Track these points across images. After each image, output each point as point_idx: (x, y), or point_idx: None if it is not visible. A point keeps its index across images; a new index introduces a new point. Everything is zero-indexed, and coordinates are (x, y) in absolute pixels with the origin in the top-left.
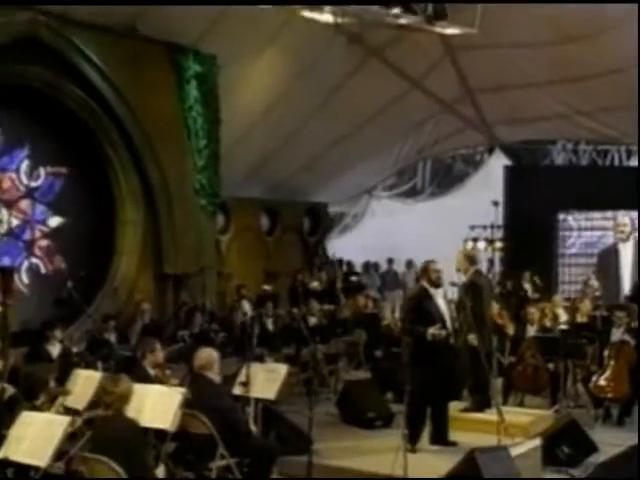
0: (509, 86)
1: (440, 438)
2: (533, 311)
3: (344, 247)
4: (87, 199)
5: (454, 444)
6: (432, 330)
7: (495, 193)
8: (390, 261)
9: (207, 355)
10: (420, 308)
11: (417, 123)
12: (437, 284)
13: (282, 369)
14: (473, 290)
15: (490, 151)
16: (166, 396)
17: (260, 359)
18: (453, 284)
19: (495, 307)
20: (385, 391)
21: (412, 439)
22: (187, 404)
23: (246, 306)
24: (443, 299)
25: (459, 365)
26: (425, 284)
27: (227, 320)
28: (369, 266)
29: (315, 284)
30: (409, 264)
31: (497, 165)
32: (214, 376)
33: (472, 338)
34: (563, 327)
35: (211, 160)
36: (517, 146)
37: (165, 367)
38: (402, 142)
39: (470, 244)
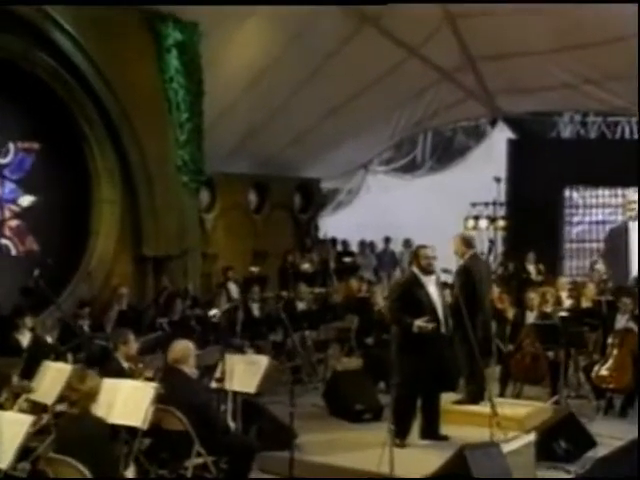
0: (512, 54)
1: (431, 432)
2: (533, 296)
3: (338, 225)
4: (60, 177)
5: (446, 438)
6: (418, 322)
7: (498, 168)
8: (387, 240)
9: (182, 348)
10: (409, 296)
11: (415, 93)
12: (428, 270)
13: (263, 361)
14: (464, 276)
15: (493, 123)
16: (138, 391)
17: (240, 350)
18: (445, 270)
19: (495, 291)
20: (377, 380)
21: (401, 433)
22: (161, 399)
23: (233, 289)
24: (436, 286)
25: (451, 354)
26: (415, 270)
27: (211, 305)
28: (364, 245)
29: (306, 266)
30: (407, 243)
31: (500, 138)
32: (189, 370)
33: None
34: (563, 314)
35: (194, 134)
36: (521, 118)
37: (138, 360)
38: (399, 114)
39: (471, 222)
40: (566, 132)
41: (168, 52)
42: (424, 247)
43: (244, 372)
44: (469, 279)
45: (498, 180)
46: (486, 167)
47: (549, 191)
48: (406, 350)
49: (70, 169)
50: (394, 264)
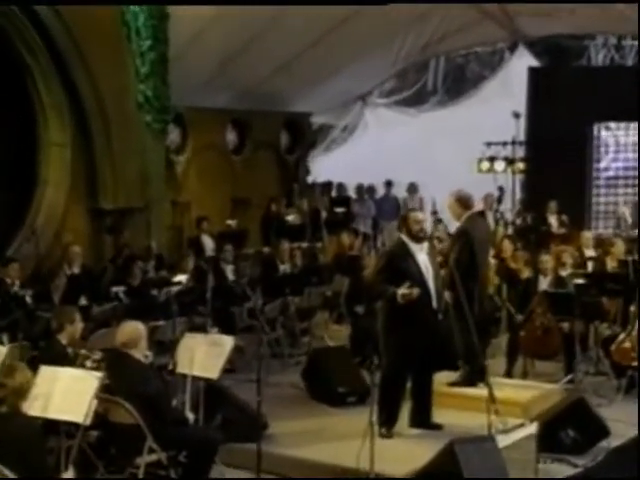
0: None
1: (422, 420)
2: (546, 259)
3: (331, 168)
4: (0, 116)
5: (439, 427)
6: (402, 290)
7: (517, 102)
8: (388, 184)
9: (132, 330)
10: (395, 267)
11: (421, 13)
12: (419, 237)
13: (227, 342)
14: (462, 239)
15: (512, 49)
16: (80, 382)
17: (202, 329)
18: (438, 220)
19: (508, 247)
20: (365, 357)
21: (387, 422)
22: (107, 389)
23: (208, 243)
24: (428, 255)
25: (446, 329)
26: (404, 237)
27: (179, 266)
28: (362, 191)
29: (291, 217)
30: (412, 188)
31: (520, 66)
32: (140, 355)
33: (448, 297)
34: (580, 281)
35: (157, 65)
36: (545, 42)
37: (83, 344)
38: (402, 37)
39: (486, 164)
40: (598, 59)
41: None
42: (414, 210)
43: (206, 354)
44: (466, 244)
45: (517, 116)
46: (503, 100)
47: (576, 128)
48: (392, 325)
49: (11, 107)
50: (396, 212)
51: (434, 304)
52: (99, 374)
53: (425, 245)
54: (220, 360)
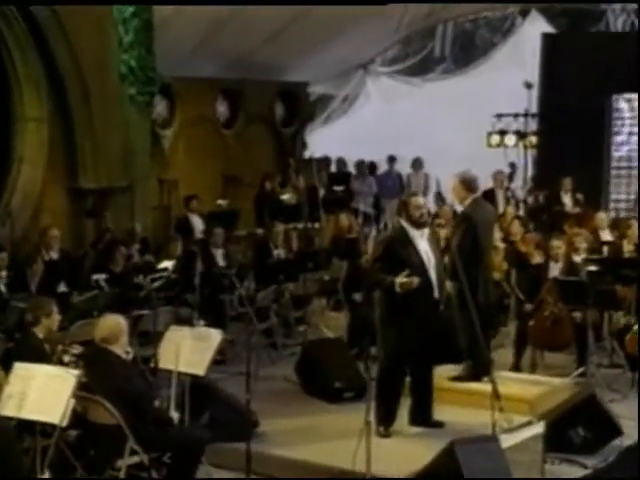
0: None
1: (422, 417)
2: (557, 245)
3: (330, 142)
4: None
5: (440, 425)
6: (400, 279)
7: (529, 70)
8: (391, 160)
9: (112, 324)
10: (394, 255)
11: None
12: (420, 223)
13: (215, 336)
14: (464, 224)
15: (524, 14)
16: (56, 380)
17: (189, 321)
18: (442, 200)
19: (518, 229)
20: (363, 348)
21: (385, 420)
22: (86, 387)
23: (197, 224)
24: (429, 242)
25: (449, 320)
26: (404, 223)
27: (165, 251)
28: (363, 167)
29: (287, 196)
30: (416, 164)
31: (533, 33)
32: (121, 351)
33: (449, 286)
34: (592, 268)
35: (142, 33)
36: (560, 6)
37: (60, 337)
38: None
39: (496, 138)
40: (617, 24)
41: None
42: (414, 195)
43: (192, 349)
44: (468, 230)
45: (529, 86)
46: (515, 69)
47: (593, 99)
48: (391, 317)
49: None
50: (400, 190)
51: (435, 294)
52: (77, 372)
53: (426, 231)
54: (207, 355)
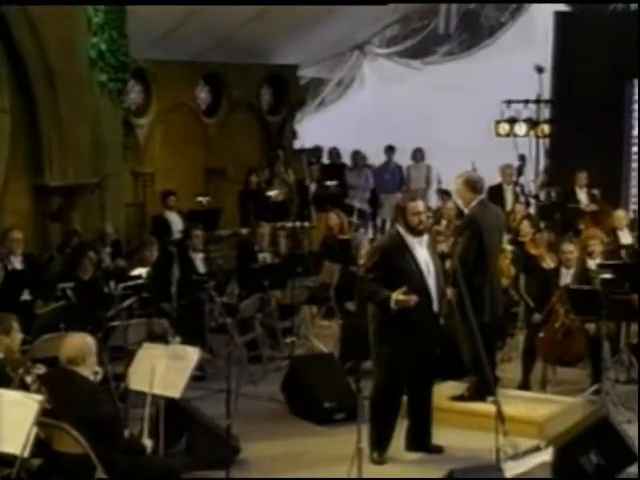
0: None
1: (420, 441)
2: (570, 249)
3: (323, 131)
4: None
5: (439, 450)
6: (396, 295)
7: (541, 53)
8: (390, 150)
9: (79, 344)
10: (389, 264)
11: None
12: (418, 230)
13: (192, 355)
14: (469, 230)
15: None
16: (17, 407)
17: (163, 339)
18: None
19: (528, 230)
20: (358, 361)
21: (379, 444)
22: (50, 413)
23: (176, 222)
24: (428, 250)
25: (447, 335)
26: (401, 230)
27: (139, 256)
28: (359, 158)
29: (274, 192)
30: (417, 155)
31: (544, 11)
32: (89, 372)
33: (450, 293)
34: (607, 276)
35: (113, 14)
36: None
37: (23, 359)
38: None
39: (505, 127)
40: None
41: None
42: (414, 200)
43: (167, 369)
44: (473, 236)
45: (541, 70)
46: (525, 52)
47: (611, 84)
48: (386, 332)
49: None
50: (399, 184)
51: (434, 307)
52: (40, 397)
53: (425, 238)
54: (183, 376)
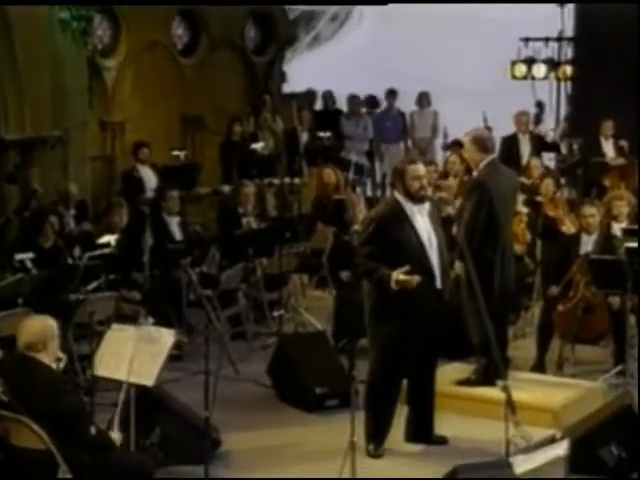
0: None
1: (421, 432)
2: (591, 213)
3: (316, 72)
4: None
5: (443, 441)
6: (396, 275)
7: None
8: (391, 94)
9: (40, 328)
10: (387, 236)
11: None
12: (419, 197)
13: (167, 338)
14: (477, 194)
15: None
16: None
17: (133, 320)
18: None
19: (550, 189)
20: (353, 340)
21: (375, 436)
22: (7, 405)
23: (149, 178)
24: (430, 218)
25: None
26: (399, 197)
27: (108, 220)
28: (357, 103)
29: (259, 145)
30: (422, 100)
31: None
32: (51, 359)
33: (459, 267)
34: (632, 244)
35: None
36: None
37: None
38: None
39: (522, 68)
40: None
41: None
42: (413, 163)
43: (139, 354)
44: (481, 201)
45: (563, 3)
46: None
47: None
48: (383, 312)
49: None
50: (402, 132)
51: (437, 283)
52: None
53: (426, 206)
54: (157, 362)
